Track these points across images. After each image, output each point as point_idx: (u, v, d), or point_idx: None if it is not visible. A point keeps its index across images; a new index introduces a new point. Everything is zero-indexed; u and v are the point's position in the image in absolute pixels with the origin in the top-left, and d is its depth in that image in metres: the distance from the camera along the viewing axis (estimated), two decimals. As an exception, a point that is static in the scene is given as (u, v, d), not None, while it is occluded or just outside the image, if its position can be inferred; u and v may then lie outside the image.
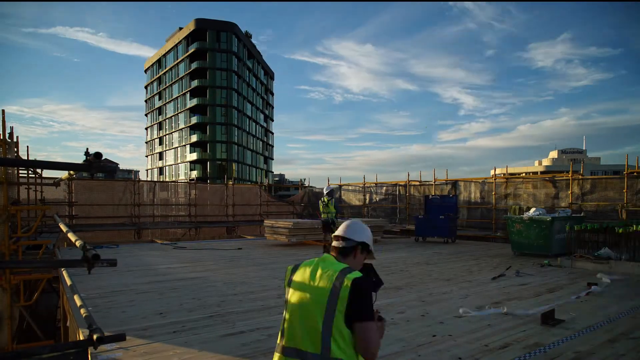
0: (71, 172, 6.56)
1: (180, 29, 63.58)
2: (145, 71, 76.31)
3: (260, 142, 73.78)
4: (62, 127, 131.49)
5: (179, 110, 63.44)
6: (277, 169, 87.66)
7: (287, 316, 1.81)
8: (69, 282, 4.76)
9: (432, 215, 14.59)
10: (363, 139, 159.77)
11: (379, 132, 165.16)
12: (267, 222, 13.77)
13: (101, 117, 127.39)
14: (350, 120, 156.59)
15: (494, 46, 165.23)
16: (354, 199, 22.61)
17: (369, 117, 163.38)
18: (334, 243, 1.98)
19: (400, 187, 19.98)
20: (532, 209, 11.39)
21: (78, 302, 3.42)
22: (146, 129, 76.01)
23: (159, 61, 70.26)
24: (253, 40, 70.90)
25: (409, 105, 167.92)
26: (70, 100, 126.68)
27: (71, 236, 3.68)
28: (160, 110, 70.08)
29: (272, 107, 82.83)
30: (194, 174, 57.80)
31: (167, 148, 67.61)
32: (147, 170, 74.65)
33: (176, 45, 63.89)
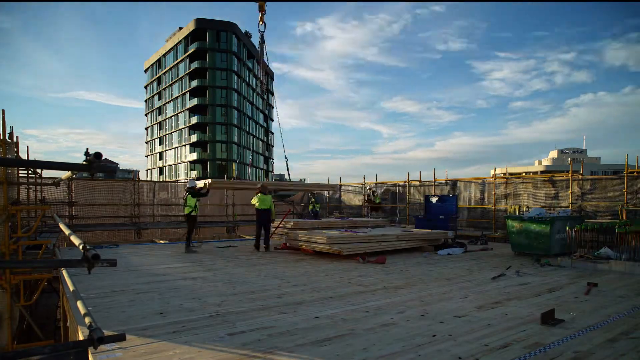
0: (71, 172, 6.57)
1: (180, 28, 63.58)
2: (145, 71, 76.30)
3: (260, 142, 73.77)
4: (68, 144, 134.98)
5: (179, 110, 63.44)
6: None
7: None
8: (69, 282, 4.76)
9: (432, 215, 14.61)
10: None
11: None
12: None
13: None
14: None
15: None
16: (354, 199, 22.61)
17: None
18: None
19: (400, 187, 19.98)
20: (532, 209, 11.39)
21: (78, 302, 3.42)
22: (146, 129, 76.00)
23: (158, 61, 70.25)
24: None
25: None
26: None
27: (72, 237, 3.68)
28: (160, 110, 70.08)
29: (272, 107, 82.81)
30: (194, 174, 57.78)
31: (167, 148, 67.60)
32: (147, 170, 74.69)
33: (176, 45, 63.89)
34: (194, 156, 60.47)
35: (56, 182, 10.81)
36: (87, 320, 2.80)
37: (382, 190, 20.93)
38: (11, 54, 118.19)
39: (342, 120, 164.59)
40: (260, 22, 17.80)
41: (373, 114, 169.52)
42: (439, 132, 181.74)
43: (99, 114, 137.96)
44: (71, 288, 4.50)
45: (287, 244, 11.85)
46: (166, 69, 67.10)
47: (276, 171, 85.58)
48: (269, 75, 79.86)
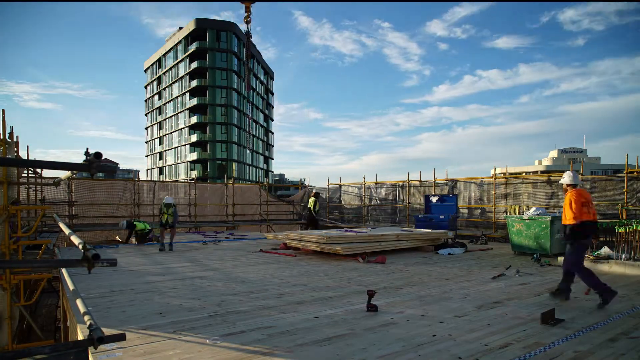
0: (71, 172, 6.56)
1: (180, 28, 63.59)
2: (145, 71, 76.30)
3: (260, 142, 73.79)
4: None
5: (179, 110, 63.44)
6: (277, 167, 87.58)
7: None
8: (68, 282, 4.76)
9: (432, 215, 14.61)
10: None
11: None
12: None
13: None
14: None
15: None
16: (354, 199, 22.60)
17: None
18: None
19: (400, 187, 19.98)
20: (532, 209, 11.39)
21: (78, 302, 3.42)
22: (146, 128, 76.01)
23: (158, 61, 70.25)
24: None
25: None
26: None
27: (72, 237, 3.68)
28: (160, 110, 70.08)
29: (272, 107, 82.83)
30: (194, 173, 57.78)
31: (167, 148, 67.60)
32: (147, 170, 74.70)
33: (176, 45, 63.89)
34: (194, 156, 60.47)
35: (56, 182, 10.79)
36: (87, 320, 2.80)
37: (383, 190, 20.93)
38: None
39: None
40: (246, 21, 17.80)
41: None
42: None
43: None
44: (71, 288, 4.51)
45: (287, 243, 11.85)
46: (166, 69, 67.10)
47: (276, 171, 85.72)
48: (269, 75, 79.87)
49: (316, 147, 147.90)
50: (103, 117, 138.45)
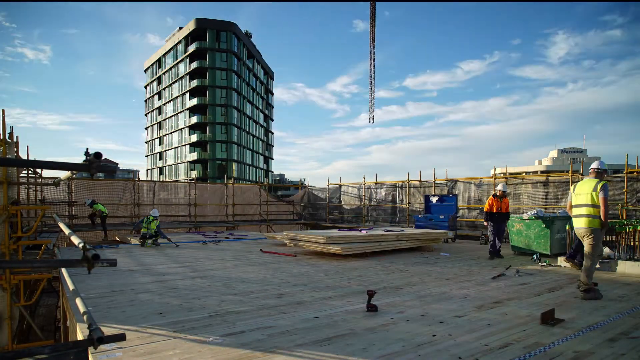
0: (71, 172, 6.56)
1: (180, 28, 63.58)
2: (145, 71, 76.29)
3: (260, 142, 73.78)
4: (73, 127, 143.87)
5: (179, 110, 63.43)
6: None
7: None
8: (68, 282, 4.76)
9: (432, 215, 14.62)
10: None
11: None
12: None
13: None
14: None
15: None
16: (354, 199, 22.60)
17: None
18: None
19: (399, 187, 19.98)
20: (530, 211, 11.41)
21: (78, 302, 3.42)
22: (146, 128, 76.00)
23: (158, 61, 70.24)
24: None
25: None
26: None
27: (72, 237, 3.68)
28: (160, 110, 70.07)
29: (272, 107, 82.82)
30: (194, 173, 57.79)
31: (167, 148, 67.59)
32: (147, 170, 74.68)
33: (176, 45, 63.88)
34: (194, 156, 60.46)
35: (56, 182, 10.79)
36: (86, 320, 2.80)
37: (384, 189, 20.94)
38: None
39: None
40: None
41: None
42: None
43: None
44: (71, 288, 4.51)
45: (287, 243, 11.86)
46: (166, 69, 67.09)
47: (276, 171, 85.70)
48: (269, 74, 79.86)
49: (290, 155, 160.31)
50: (106, 134, 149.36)
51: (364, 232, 11.54)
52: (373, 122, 18.41)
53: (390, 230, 12.15)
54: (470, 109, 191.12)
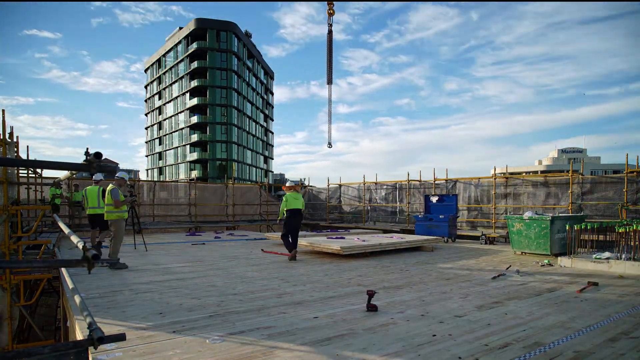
0: (71, 172, 6.56)
1: (180, 28, 63.59)
2: (145, 71, 76.30)
3: (260, 142, 73.79)
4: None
5: (179, 110, 63.43)
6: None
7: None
8: (69, 282, 4.76)
9: (432, 215, 14.61)
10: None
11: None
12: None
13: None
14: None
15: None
16: (354, 199, 22.59)
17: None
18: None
19: (399, 188, 19.98)
20: (530, 211, 11.41)
21: (78, 302, 3.41)
22: (146, 128, 76.01)
23: (158, 61, 70.25)
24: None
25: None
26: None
27: (72, 237, 3.68)
28: (160, 110, 70.07)
29: (272, 107, 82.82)
30: (194, 173, 57.80)
31: (167, 148, 67.59)
32: (147, 170, 74.69)
33: (176, 45, 63.90)
34: (194, 156, 60.47)
35: (56, 182, 10.80)
36: (87, 320, 2.80)
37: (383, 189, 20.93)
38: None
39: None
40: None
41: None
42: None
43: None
44: (71, 287, 4.51)
45: None
46: (166, 69, 67.09)
47: (276, 171, 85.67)
48: (269, 74, 79.87)
49: (291, 154, 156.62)
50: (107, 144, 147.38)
51: (362, 242, 11.59)
52: (331, 147, 19.39)
53: (391, 237, 12.14)
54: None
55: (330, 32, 17.64)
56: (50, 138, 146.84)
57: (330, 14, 17.33)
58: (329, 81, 18.19)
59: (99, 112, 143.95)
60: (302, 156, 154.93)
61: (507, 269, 8.41)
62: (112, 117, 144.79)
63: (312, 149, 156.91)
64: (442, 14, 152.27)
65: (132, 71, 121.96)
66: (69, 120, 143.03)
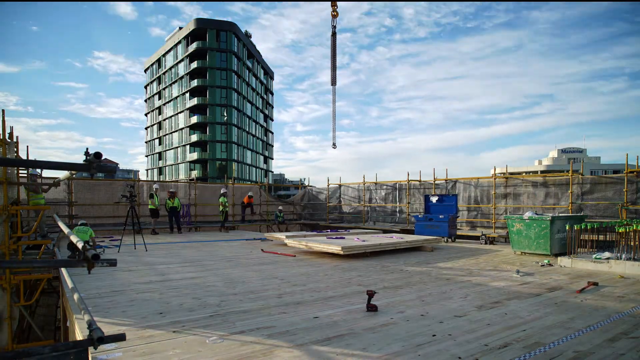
0: (71, 172, 6.56)
1: (180, 28, 63.58)
2: (145, 71, 76.30)
3: (260, 142, 73.78)
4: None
5: (179, 110, 63.42)
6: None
7: None
8: (69, 282, 4.76)
9: (432, 215, 14.61)
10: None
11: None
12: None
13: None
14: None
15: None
16: (354, 199, 22.60)
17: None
18: None
19: (399, 188, 19.98)
20: (530, 211, 11.41)
21: (78, 302, 3.42)
22: (146, 128, 76.00)
23: (158, 61, 70.23)
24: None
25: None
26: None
27: (72, 237, 3.68)
28: (160, 110, 70.06)
29: (272, 107, 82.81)
30: (194, 173, 57.79)
31: (167, 148, 67.58)
32: (147, 170, 74.67)
33: (176, 45, 63.87)
34: (194, 156, 60.45)
35: (56, 182, 10.79)
36: (86, 320, 2.80)
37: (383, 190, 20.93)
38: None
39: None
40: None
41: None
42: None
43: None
44: (71, 287, 4.51)
45: (287, 243, 11.86)
46: (166, 69, 67.07)
47: (276, 170, 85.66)
48: (269, 74, 79.85)
49: (291, 153, 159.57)
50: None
51: (362, 242, 11.58)
52: (335, 147, 19.29)
53: (391, 237, 12.15)
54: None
55: (334, 34, 17.57)
56: (63, 148, 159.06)
57: (334, 16, 17.30)
58: (333, 82, 18.11)
59: (105, 129, 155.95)
60: (281, 162, 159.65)
61: (507, 269, 8.40)
62: (116, 133, 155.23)
63: (288, 156, 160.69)
64: (341, 75, 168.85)
65: (135, 105, 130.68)
66: (80, 135, 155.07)
